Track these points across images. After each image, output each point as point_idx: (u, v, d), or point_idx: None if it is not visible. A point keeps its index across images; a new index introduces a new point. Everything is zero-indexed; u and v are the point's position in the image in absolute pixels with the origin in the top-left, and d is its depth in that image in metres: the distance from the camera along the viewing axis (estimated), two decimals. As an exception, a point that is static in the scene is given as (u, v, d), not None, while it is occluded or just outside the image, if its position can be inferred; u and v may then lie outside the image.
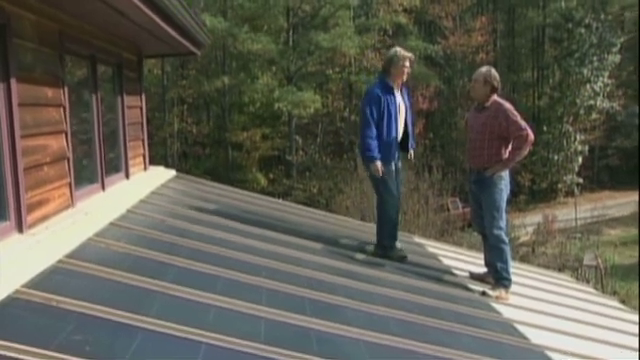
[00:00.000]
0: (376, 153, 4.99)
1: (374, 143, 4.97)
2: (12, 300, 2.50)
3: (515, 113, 4.72)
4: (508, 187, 4.85)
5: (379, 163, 5.00)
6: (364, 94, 5.38)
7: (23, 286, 2.63)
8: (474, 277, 5.21)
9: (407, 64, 5.11)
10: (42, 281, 2.75)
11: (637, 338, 4.38)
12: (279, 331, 2.92)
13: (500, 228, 4.81)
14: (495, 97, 4.83)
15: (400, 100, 5.18)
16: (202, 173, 25.90)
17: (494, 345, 3.57)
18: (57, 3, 3.72)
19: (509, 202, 4.98)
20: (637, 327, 4.76)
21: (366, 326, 3.24)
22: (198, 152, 34.60)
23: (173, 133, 33.43)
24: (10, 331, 2.24)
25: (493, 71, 4.88)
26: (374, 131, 4.98)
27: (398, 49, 5.24)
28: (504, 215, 4.86)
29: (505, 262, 4.82)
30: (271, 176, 32.03)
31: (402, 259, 5.22)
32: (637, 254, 19.09)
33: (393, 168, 5.15)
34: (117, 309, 2.61)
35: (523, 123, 4.70)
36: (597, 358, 3.81)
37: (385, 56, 5.40)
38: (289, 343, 2.75)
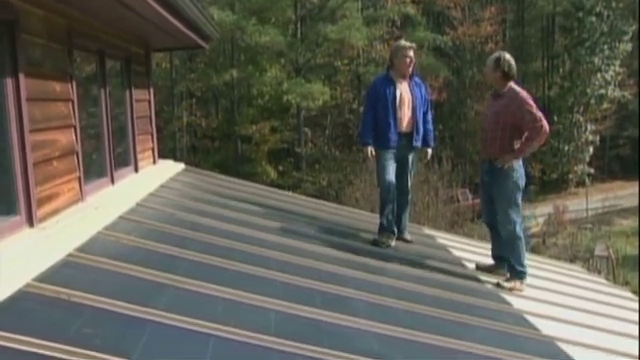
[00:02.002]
0: (365, 139, 5.26)
1: (366, 130, 5.26)
2: (23, 294, 2.52)
3: (531, 103, 4.52)
4: (523, 179, 4.69)
5: (369, 148, 5.24)
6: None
7: (34, 280, 2.64)
8: (480, 268, 5.16)
9: (409, 53, 5.17)
10: (52, 275, 2.77)
11: (639, 326, 4.35)
12: (289, 323, 2.93)
13: (513, 222, 4.65)
14: (511, 84, 4.63)
15: (404, 91, 5.19)
16: (211, 166, 25.96)
17: (504, 336, 3.56)
18: (65, -2, 3.73)
19: (523, 193, 4.86)
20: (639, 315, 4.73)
21: (376, 318, 3.24)
22: (207, 145, 34.70)
23: (182, 127, 33.56)
24: (21, 324, 2.25)
25: (505, 56, 4.67)
26: (369, 119, 5.25)
27: (401, 41, 5.51)
28: (519, 208, 4.71)
29: (519, 256, 4.72)
30: (280, 169, 32.08)
31: (378, 244, 5.21)
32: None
33: (389, 154, 5.20)
34: (127, 302, 2.62)
35: (539, 114, 4.49)
36: (608, 348, 3.79)
37: (390, 50, 5.61)
38: (299, 335, 2.75)
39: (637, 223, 24.58)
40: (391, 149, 5.19)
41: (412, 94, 5.21)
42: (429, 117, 5.47)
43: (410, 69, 5.22)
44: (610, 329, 4.27)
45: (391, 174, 5.24)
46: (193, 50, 21.83)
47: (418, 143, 5.35)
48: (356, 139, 6.30)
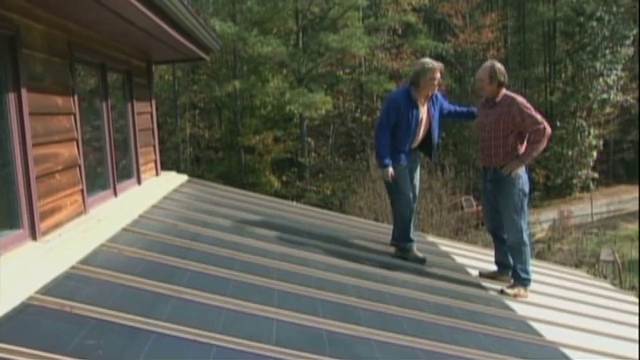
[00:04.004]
0: (387, 160, 5.02)
1: (386, 150, 5.00)
2: (26, 306, 2.54)
3: (529, 106, 4.58)
4: (527, 185, 4.70)
5: (390, 170, 5.01)
6: (387, 100, 5.37)
7: (37, 292, 2.66)
8: (484, 275, 5.16)
9: (437, 75, 4.96)
10: (55, 287, 2.79)
11: (638, 329, 4.33)
12: (290, 332, 2.93)
13: (520, 229, 4.67)
14: (505, 91, 4.68)
15: (424, 113, 5.04)
16: (215, 177, 26.06)
17: (507, 342, 3.55)
18: (66, 13, 3.77)
19: (529, 200, 4.88)
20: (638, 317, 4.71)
21: (378, 326, 3.24)
22: (211, 156, 34.80)
23: (185, 138, 33.67)
24: (24, 337, 2.27)
25: (497, 65, 4.70)
26: (387, 137, 5.00)
27: (427, 60, 5.11)
28: (525, 215, 4.72)
29: (524, 263, 4.72)
30: (284, 178, 32.12)
31: (419, 261, 5.19)
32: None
33: (406, 170, 5.12)
34: (129, 313, 2.63)
35: (539, 116, 4.54)
36: (613, 354, 3.77)
37: (413, 67, 5.25)
38: (301, 344, 2.76)
39: (642, 227, 24.50)
40: (402, 165, 5.09)
41: (429, 114, 5.09)
42: (455, 108, 5.45)
43: (435, 90, 5.06)
44: (615, 334, 4.25)
45: (407, 190, 5.15)
46: (195, 62, 21.97)
47: (434, 159, 5.33)
48: (377, 160, 5.77)
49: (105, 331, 2.50)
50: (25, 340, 2.22)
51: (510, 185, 4.65)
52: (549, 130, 4.57)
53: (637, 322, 4.80)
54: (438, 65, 4.99)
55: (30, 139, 3.19)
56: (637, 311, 5.40)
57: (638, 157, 29.22)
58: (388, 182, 5.20)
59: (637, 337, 4.27)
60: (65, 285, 2.87)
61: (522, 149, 4.63)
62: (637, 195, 29.69)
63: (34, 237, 3.21)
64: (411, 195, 5.22)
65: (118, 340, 2.47)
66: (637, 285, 15.53)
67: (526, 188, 4.71)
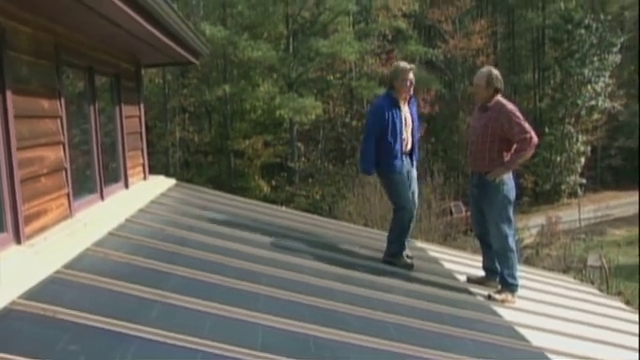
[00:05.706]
0: (368, 168, 5.26)
1: (368, 157, 5.14)
2: (9, 311, 2.51)
3: (518, 115, 4.59)
4: (513, 191, 4.73)
5: (369, 173, 5.29)
6: (370, 107, 5.48)
7: (20, 297, 2.63)
8: (472, 280, 5.17)
9: (410, 76, 5.06)
10: (39, 292, 2.76)
11: (638, 338, 4.35)
12: (276, 338, 2.92)
13: (505, 235, 4.68)
14: (498, 97, 4.70)
15: (407, 113, 5.13)
16: (205, 181, 25.99)
17: (494, 348, 3.55)
18: (52, 16, 3.75)
19: (515, 206, 4.89)
20: (639, 327, 4.73)
21: (365, 331, 3.23)
22: (200, 160, 34.71)
23: (175, 142, 33.59)
24: (7, 343, 2.25)
25: (494, 72, 4.75)
26: (371, 144, 5.09)
27: (400, 63, 5.31)
28: (511, 220, 4.74)
29: (511, 268, 4.74)
30: (273, 183, 32.09)
31: (408, 267, 5.20)
32: (642, 254, 19.02)
33: (404, 177, 5.13)
34: (114, 318, 2.61)
35: (527, 125, 4.57)
36: (598, 359, 3.79)
37: (389, 72, 5.47)
38: (286, 349, 2.75)
39: (630, 233, 24.69)
40: (402, 172, 5.11)
41: (410, 114, 5.16)
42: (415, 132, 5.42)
43: (411, 91, 5.14)
44: (601, 339, 4.27)
45: (408, 198, 5.16)
46: (185, 66, 21.90)
47: (416, 163, 5.35)
48: (359, 167, 5.93)
49: (88, 336, 2.48)
50: (7, 346, 2.20)
51: (495, 191, 4.67)
52: (535, 140, 4.59)
53: (622, 327, 4.84)
54: (410, 66, 5.16)
55: (15, 142, 3.16)
56: (622, 316, 5.44)
57: (638, 161, 29.33)
58: (389, 191, 5.27)
59: (622, 342, 4.30)
60: (49, 290, 2.84)
61: (508, 156, 4.65)
62: (624, 201, 30.00)
63: (18, 241, 3.18)
64: (411, 203, 5.21)
65: (102, 345, 2.44)
66: (623, 291, 15.63)
67: (511, 195, 4.72)
